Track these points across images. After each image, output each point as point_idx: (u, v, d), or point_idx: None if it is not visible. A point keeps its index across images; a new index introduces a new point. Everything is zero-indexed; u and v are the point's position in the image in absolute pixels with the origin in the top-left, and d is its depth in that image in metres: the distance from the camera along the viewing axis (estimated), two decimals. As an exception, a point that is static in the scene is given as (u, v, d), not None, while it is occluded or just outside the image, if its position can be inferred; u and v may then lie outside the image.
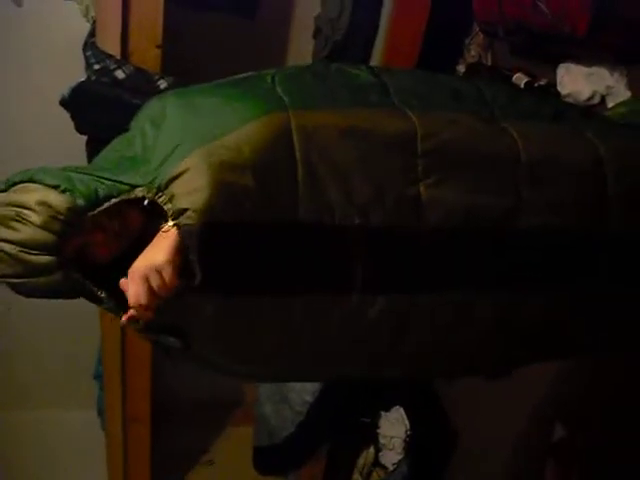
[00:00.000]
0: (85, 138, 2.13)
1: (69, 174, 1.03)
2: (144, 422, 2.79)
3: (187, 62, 2.35)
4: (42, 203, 0.97)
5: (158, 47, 2.10)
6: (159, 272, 0.98)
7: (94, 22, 2.11)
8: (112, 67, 2.06)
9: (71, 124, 2.05)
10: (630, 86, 1.79)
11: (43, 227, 0.97)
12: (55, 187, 0.99)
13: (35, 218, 0.97)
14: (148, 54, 2.10)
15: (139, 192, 1.03)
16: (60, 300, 1.11)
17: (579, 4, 1.65)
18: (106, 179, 1.03)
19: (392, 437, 2.87)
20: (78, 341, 3.11)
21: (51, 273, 1.00)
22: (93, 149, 2.08)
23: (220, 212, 1.00)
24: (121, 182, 1.04)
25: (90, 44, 2.09)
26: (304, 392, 2.84)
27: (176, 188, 1.01)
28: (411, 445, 2.84)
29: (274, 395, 2.94)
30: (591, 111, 1.77)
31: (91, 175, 1.04)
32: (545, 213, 1.16)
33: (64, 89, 2.05)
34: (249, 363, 1.21)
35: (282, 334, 1.14)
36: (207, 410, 3.45)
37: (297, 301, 1.11)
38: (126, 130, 1.19)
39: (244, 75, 1.23)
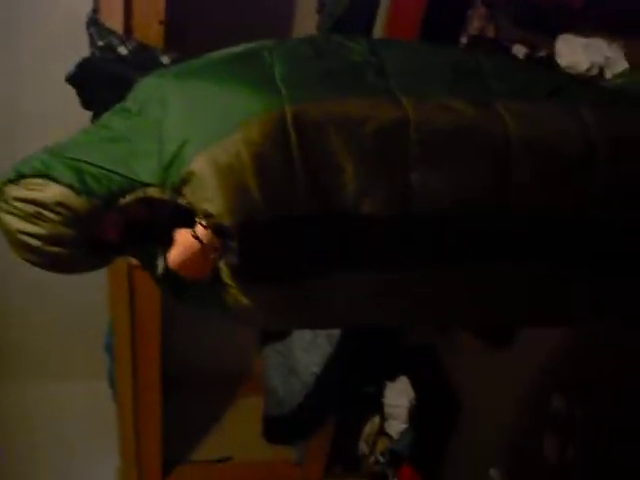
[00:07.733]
0: (90, 114, 2.16)
1: (79, 166, 1.06)
2: (154, 389, 2.85)
3: (190, 37, 2.36)
4: (61, 204, 1.02)
5: (161, 23, 2.11)
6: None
7: (97, -1, 2.13)
8: (115, 43, 2.07)
9: (75, 101, 2.08)
10: (628, 57, 1.79)
11: (64, 225, 1.02)
12: (70, 186, 1.03)
13: (56, 218, 1.02)
14: (151, 30, 2.11)
15: (153, 192, 1.08)
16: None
17: (575, -25, 1.65)
18: (117, 173, 1.07)
19: (397, 406, 2.92)
20: (87, 312, 3.19)
21: (77, 259, 1.08)
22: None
23: (233, 214, 1.05)
24: (133, 179, 1.08)
25: (93, 20, 2.11)
26: (311, 364, 2.88)
27: (190, 195, 1.06)
28: (416, 414, 2.89)
29: (281, 367, 2.98)
30: (591, 84, 1.76)
31: (101, 168, 1.07)
32: (534, 195, 1.16)
33: (68, 66, 2.07)
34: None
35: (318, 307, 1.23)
36: (216, 380, 3.50)
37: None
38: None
39: (241, 50, 1.22)
